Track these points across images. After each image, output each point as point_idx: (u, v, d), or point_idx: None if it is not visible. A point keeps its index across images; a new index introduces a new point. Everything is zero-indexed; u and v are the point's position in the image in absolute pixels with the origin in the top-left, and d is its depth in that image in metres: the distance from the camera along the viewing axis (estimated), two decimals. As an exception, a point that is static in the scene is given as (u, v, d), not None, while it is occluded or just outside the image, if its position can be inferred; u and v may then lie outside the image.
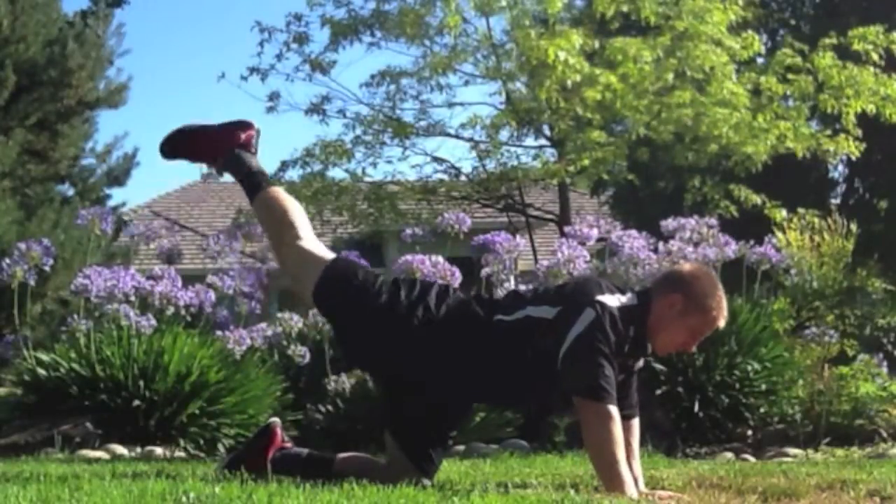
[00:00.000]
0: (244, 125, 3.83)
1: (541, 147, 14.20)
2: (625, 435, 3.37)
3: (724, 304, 3.51)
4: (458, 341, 3.45)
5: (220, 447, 5.89)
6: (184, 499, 2.67)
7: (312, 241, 3.69)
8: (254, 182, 3.78)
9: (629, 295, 3.49)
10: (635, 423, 3.57)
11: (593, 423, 3.28)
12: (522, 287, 6.51)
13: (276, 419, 3.73)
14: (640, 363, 3.62)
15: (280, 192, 3.88)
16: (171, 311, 6.50)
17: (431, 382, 3.48)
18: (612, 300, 3.39)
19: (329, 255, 3.68)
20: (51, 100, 11.99)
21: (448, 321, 3.46)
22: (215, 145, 3.80)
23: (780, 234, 8.46)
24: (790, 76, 11.84)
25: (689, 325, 3.48)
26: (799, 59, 11.84)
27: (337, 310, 3.62)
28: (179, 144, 3.86)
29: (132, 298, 6.33)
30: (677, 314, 3.44)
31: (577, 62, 10.83)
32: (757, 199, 12.43)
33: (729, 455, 5.72)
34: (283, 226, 3.68)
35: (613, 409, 3.26)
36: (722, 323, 3.53)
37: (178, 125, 3.88)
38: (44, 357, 6.24)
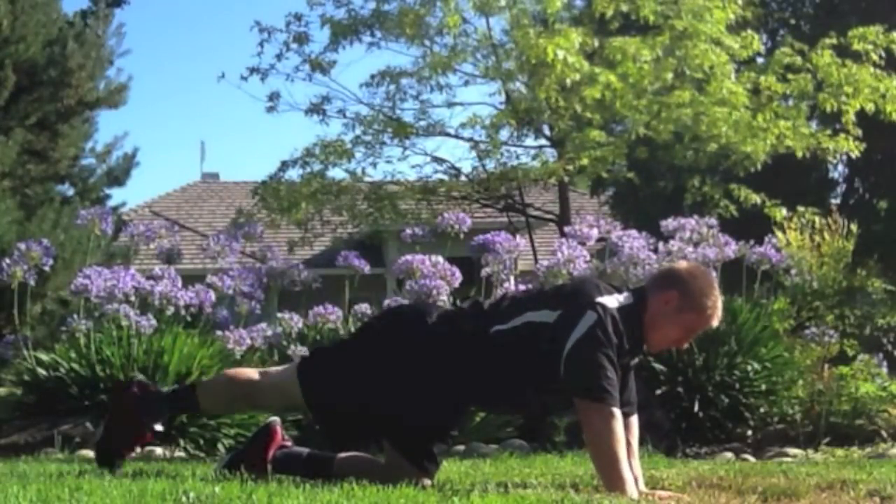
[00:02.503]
0: (121, 384, 3.84)
1: (540, 147, 14.22)
2: (625, 433, 3.38)
3: (720, 302, 3.53)
4: (458, 362, 3.46)
5: (220, 447, 5.88)
6: (184, 499, 2.67)
7: (265, 373, 3.73)
8: (181, 397, 3.79)
9: (626, 294, 3.50)
10: (634, 420, 3.58)
11: (596, 423, 3.28)
12: (521, 287, 6.51)
13: (275, 418, 3.73)
14: (636, 359, 3.63)
15: (204, 381, 3.99)
16: (171, 311, 6.49)
17: (438, 404, 3.48)
18: (612, 301, 3.40)
19: (290, 365, 3.76)
20: (51, 100, 11.97)
21: (441, 346, 3.48)
22: (129, 417, 3.66)
23: (780, 234, 8.47)
24: (790, 76, 11.83)
25: (683, 323, 3.50)
26: (798, 59, 11.84)
27: (331, 387, 3.56)
28: (106, 451, 3.68)
29: (132, 298, 6.32)
30: (673, 311, 3.46)
31: (576, 61, 10.83)
32: (757, 198, 12.42)
33: (729, 455, 5.72)
34: (238, 390, 3.70)
35: (616, 410, 3.28)
36: (716, 322, 3.56)
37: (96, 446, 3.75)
38: (44, 357, 6.23)
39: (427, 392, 3.45)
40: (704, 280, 3.54)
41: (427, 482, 3.38)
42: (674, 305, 3.45)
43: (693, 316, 3.49)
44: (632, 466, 3.40)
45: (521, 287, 6.58)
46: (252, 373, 3.77)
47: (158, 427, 3.67)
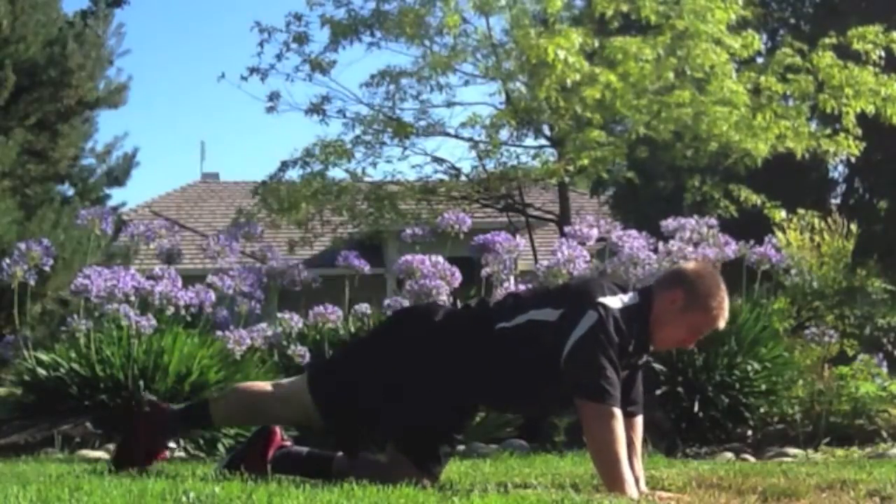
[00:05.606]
0: (137, 406, 3.88)
1: (540, 147, 14.20)
2: (628, 433, 3.38)
3: (726, 304, 3.52)
4: (462, 359, 3.47)
5: (220, 447, 5.88)
6: (184, 499, 2.67)
7: (277, 385, 3.77)
8: (194, 413, 3.85)
9: (631, 294, 3.50)
10: (639, 420, 3.58)
11: (595, 423, 3.29)
12: (522, 287, 6.51)
13: (275, 419, 3.74)
14: (644, 358, 3.63)
15: (217, 396, 4.03)
16: (171, 311, 6.49)
17: (445, 402, 3.49)
18: (615, 301, 3.40)
19: (301, 375, 3.78)
20: (51, 100, 11.97)
21: (448, 344, 3.49)
22: (145, 437, 3.72)
23: (780, 234, 8.47)
24: (790, 76, 11.82)
25: (689, 322, 3.49)
26: (798, 59, 11.83)
27: (341, 391, 3.59)
28: (127, 459, 3.70)
29: (132, 298, 6.32)
30: (678, 310, 3.46)
31: (576, 61, 10.82)
32: (757, 198, 12.41)
33: (729, 455, 5.72)
34: (251, 404, 3.73)
35: (616, 410, 3.28)
36: (722, 323, 3.54)
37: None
38: (44, 357, 6.23)
39: (434, 390, 3.46)
40: (711, 280, 3.53)
41: (427, 483, 3.37)
42: (679, 305, 3.45)
43: (698, 315, 3.49)
44: (634, 466, 3.40)
45: (522, 287, 6.58)
46: (265, 385, 3.80)
47: (170, 438, 3.78)
